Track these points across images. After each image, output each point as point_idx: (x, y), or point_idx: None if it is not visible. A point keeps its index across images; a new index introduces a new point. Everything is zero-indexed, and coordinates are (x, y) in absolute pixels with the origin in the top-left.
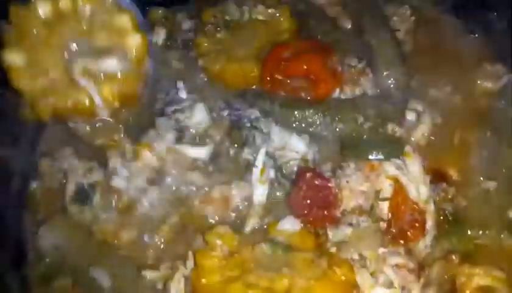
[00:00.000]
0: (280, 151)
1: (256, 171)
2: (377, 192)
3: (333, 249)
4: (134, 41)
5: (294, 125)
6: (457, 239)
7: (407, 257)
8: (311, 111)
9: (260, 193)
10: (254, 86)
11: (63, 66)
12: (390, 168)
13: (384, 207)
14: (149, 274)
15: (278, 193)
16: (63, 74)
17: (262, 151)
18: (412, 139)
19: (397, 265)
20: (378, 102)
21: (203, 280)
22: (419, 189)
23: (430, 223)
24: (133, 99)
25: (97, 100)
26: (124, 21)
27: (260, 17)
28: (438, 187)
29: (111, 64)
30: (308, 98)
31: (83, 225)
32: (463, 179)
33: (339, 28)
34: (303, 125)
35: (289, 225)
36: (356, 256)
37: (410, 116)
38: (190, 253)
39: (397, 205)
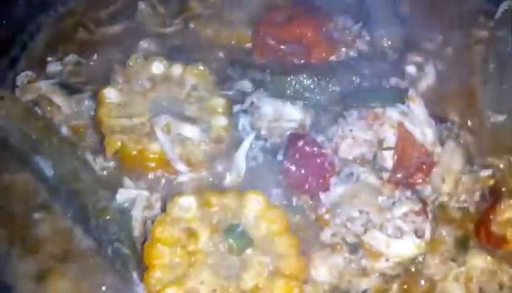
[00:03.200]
0: (274, 122)
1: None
2: (380, 141)
3: (327, 216)
4: (220, 122)
5: (288, 92)
6: None
7: (410, 200)
8: (304, 76)
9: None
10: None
11: (148, 117)
12: (394, 114)
13: (387, 156)
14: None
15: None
16: (145, 123)
17: (248, 140)
18: (418, 88)
19: (403, 214)
20: (374, 61)
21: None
22: (424, 132)
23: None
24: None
25: (169, 155)
26: (220, 103)
27: None
28: (442, 126)
29: (192, 131)
30: (302, 62)
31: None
32: (470, 116)
33: None
34: (298, 92)
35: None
36: (356, 213)
37: (410, 69)
38: (148, 223)
39: (403, 149)
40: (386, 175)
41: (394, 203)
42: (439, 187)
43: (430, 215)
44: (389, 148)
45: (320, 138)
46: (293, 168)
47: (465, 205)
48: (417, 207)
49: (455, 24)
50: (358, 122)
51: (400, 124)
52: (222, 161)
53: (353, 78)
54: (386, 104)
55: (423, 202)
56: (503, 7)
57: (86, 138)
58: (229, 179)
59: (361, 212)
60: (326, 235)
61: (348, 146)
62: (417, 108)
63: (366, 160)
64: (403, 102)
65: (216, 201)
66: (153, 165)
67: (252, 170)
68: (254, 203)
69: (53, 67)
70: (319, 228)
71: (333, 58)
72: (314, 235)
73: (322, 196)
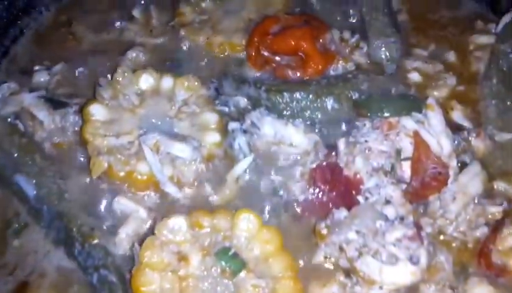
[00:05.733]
0: (274, 145)
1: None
2: (398, 151)
3: (324, 231)
4: (213, 139)
5: (285, 112)
6: None
7: (403, 225)
8: (302, 93)
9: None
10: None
11: (136, 135)
12: (409, 123)
13: (406, 167)
14: None
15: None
16: (133, 142)
17: (245, 161)
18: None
19: (396, 239)
20: (372, 75)
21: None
22: (441, 143)
23: (451, 179)
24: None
25: (158, 176)
26: (212, 119)
27: None
28: (459, 135)
29: (183, 150)
30: (296, 77)
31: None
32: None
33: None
34: (296, 111)
35: None
36: (353, 235)
37: (414, 76)
38: (136, 246)
39: (419, 158)
40: (404, 187)
41: (388, 228)
42: (447, 205)
43: (426, 241)
44: (407, 158)
45: (334, 158)
46: (323, 200)
47: (464, 238)
48: (410, 231)
49: (452, 30)
50: (372, 132)
51: (416, 133)
52: (214, 181)
53: (351, 94)
54: (402, 112)
55: (418, 227)
56: (504, 20)
57: (71, 156)
58: (219, 200)
59: (358, 232)
60: (319, 257)
61: (363, 158)
62: (435, 117)
63: (384, 171)
64: (420, 111)
65: (207, 222)
66: (142, 186)
67: (244, 191)
68: (246, 223)
69: (40, 76)
70: (313, 251)
71: (330, 71)
72: (308, 260)
73: (336, 214)
